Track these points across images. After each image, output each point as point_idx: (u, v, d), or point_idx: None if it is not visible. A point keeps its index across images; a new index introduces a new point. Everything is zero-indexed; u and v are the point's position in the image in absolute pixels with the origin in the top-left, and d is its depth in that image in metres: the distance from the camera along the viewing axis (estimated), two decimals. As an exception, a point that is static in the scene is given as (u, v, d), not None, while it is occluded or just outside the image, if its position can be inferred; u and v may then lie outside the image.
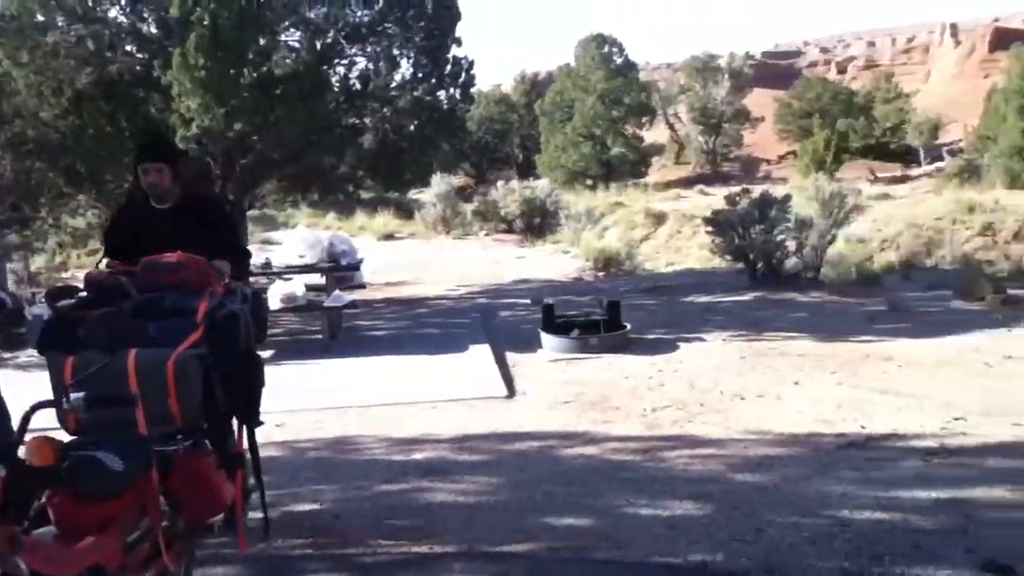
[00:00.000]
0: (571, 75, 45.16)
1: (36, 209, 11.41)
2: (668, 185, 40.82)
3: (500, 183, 24.86)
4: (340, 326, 9.64)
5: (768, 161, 50.88)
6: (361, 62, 11.79)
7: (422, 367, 7.97)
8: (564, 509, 4.22)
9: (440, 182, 22.80)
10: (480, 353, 8.32)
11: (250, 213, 14.20)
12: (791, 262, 11.77)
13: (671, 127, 53.49)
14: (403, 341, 9.30)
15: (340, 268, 10.07)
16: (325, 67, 11.22)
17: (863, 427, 5.50)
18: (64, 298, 3.51)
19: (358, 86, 11.65)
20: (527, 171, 40.82)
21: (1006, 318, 9.00)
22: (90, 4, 10.40)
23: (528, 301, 11.26)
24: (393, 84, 11.71)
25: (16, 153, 10.25)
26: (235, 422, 3.55)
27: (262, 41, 10.18)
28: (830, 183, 13.49)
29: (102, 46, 10.30)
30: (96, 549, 2.44)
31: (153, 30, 10.88)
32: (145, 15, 10.88)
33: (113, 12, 10.85)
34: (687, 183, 41.71)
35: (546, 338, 8.44)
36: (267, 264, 10.29)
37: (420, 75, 11.64)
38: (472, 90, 12.73)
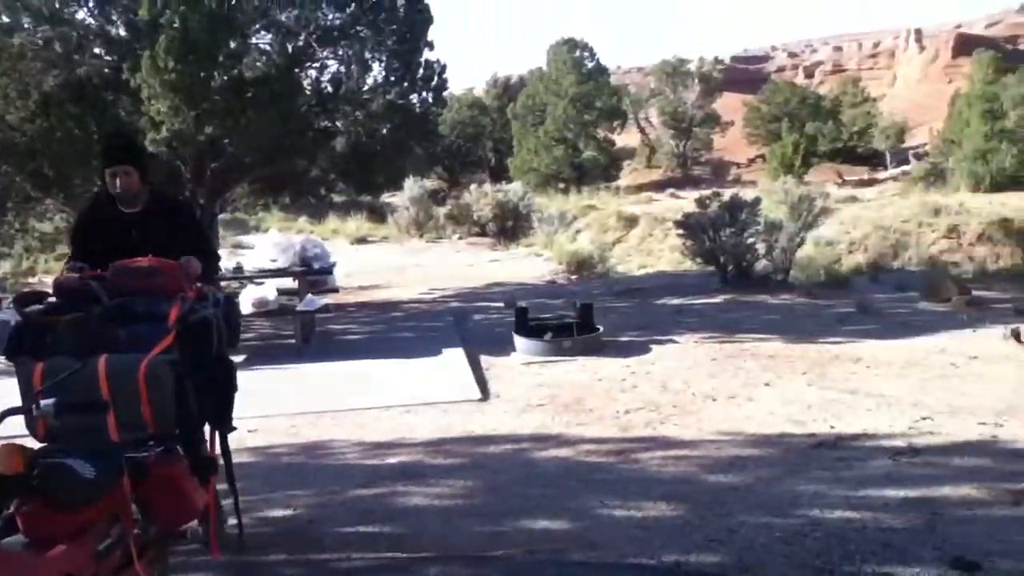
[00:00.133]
0: (543, 79, 45.30)
1: (3, 213, 11.22)
2: (639, 188, 41.09)
3: (473, 186, 24.85)
4: (313, 330, 9.59)
5: (738, 164, 51.37)
6: (333, 65, 11.79)
7: (396, 371, 7.94)
8: (539, 511, 4.22)
9: (413, 186, 22.75)
10: (454, 357, 8.31)
11: (221, 217, 14.07)
12: (761, 264, 11.91)
13: (642, 131, 53.78)
14: (377, 345, 9.28)
15: (312, 272, 9.99)
16: (297, 70, 11.18)
17: (833, 427, 5.58)
18: (33, 303, 3.47)
19: (330, 89, 11.62)
20: (500, 174, 40.78)
21: (971, 319, 9.18)
22: (57, 6, 10.26)
23: (501, 304, 11.28)
24: (365, 87, 11.70)
25: (-18, 157, 10.09)
26: (207, 428, 3.53)
27: (233, 44, 10.11)
28: (799, 186, 13.70)
29: (70, 48, 10.15)
30: (67, 558, 2.41)
31: (122, 32, 10.75)
32: (113, 17, 10.75)
33: (81, 14, 10.72)
34: (658, 186, 42.00)
35: (520, 341, 8.46)
36: (239, 268, 10.20)
37: (392, 78, 11.63)
38: (444, 94, 12.78)
